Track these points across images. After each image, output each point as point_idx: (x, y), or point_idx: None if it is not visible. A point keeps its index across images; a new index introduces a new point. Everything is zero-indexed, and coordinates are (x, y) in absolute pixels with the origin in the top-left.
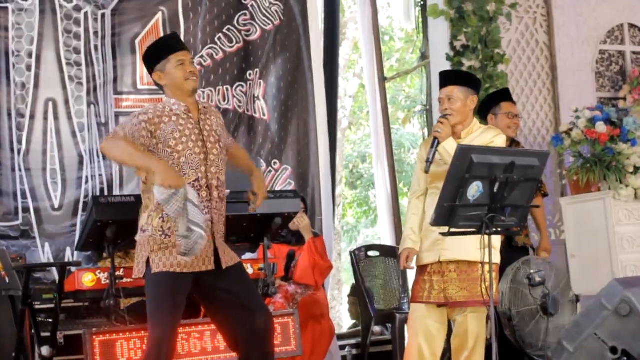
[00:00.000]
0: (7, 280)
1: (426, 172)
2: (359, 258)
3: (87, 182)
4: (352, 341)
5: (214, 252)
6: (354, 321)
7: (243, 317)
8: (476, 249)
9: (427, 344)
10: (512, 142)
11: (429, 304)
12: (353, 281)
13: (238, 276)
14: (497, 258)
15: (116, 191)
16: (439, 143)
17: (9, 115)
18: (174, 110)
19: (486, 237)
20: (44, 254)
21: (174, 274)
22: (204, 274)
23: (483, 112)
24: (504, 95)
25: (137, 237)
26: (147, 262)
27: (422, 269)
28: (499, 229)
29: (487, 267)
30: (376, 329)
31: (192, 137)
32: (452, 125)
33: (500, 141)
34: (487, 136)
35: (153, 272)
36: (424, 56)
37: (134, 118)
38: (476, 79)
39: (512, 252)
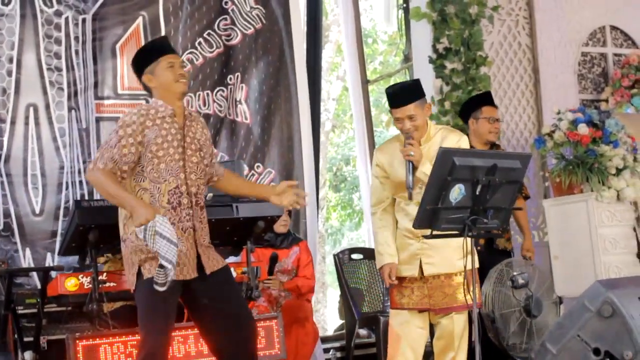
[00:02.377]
0: None
1: (410, 199)
2: (342, 261)
3: (67, 187)
4: (337, 344)
5: (197, 259)
6: (343, 321)
7: (226, 325)
8: (458, 259)
9: (412, 350)
10: (493, 145)
11: (411, 310)
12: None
13: (223, 282)
14: (476, 262)
15: (97, 196)
16: (414, 167)
17: None
18: (160, 112)
19: (469, 239)
20: (25, 259)
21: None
22: (192, 282)
23: (464, 115)
24: (486, 99)
25: (122, 249)
26: (138, 272)
27: (400, 279)
28: (481, 231)
29: (468, 270)
30: (362, 332)
31: (174, 143)
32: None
33: (465, 144)
34: (450, 141)
35: (145, 277)
36: (407, 58)
37: (113, 137)
38: (420, 85)
39: (493, 255)
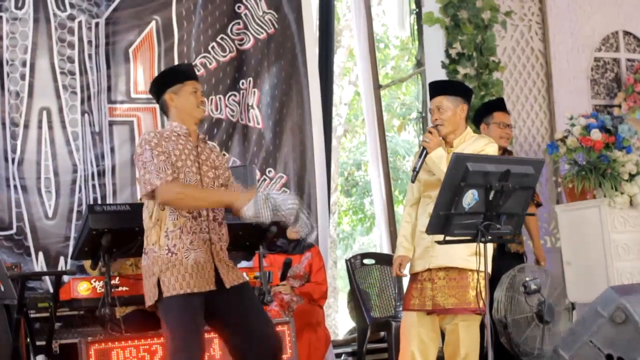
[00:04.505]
0: (2, 289)
1: (412, 181)
2: (354, 266)
3: (80, 191)
4: (348, 349)
5: (215, 272)
6: (354, 325)
7: (251, 343)
8: (466, 256)
9: (420, 352)
10: (505, 151)
11: (420, 312)
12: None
13: (245, 298)
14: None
15: (110, 200)
16: (427, 153)
17: (3, 124)
18: (176, 131)
19: (482, 245)
20: (38, 263)
21: (187, 296)
22: (212, 296)
23: (476, 121)
24: (498, 104)
25: (143, 262)
26: (158, 283)
27: (414, 277)
28: (494, 237)
29: (479, 275)
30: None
31: (190, 157)
32: (443, 135)
33: (491, 150)
34: (478, 144)
35: (165, 296)
36: (419, 63)
37: (145, 153)
38: (466, 88)
39: (505, 258)
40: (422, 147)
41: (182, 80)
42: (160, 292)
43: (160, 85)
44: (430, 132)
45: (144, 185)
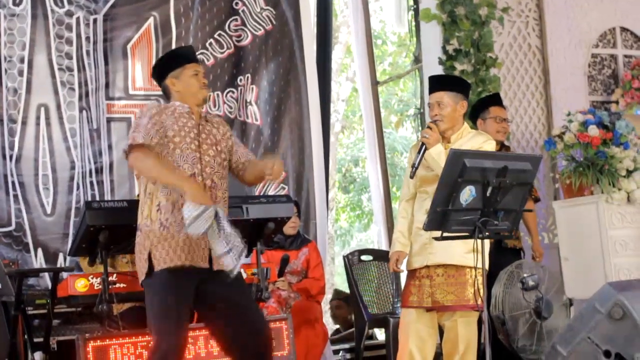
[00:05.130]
0: (0, 285)
1: (411, 177)
2: (352, 262)
3: (78, 188)
4: (346, 345)
5: (209, 253)
6: (337, 326)
7: (241, 331)
8: (464, 253)
9: (418, 349)
10: (502, 146)
11: (418, 309)
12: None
13: (235, 285)
14: (485, 263)
15: (107, 196)
16: (426, 149)
17: (1, 121)
18: (178, 109)
19: (479, 241)
20: (37, 259)
21: (178, 270)
22: (204, 282)
23: (472, 116)
24: (494, 99)
25: (137, 238)
26: (149, 258)
27: (412, 273)
28: (491, 233)
29: (477, 271)
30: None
31: (190, 134)
32: (441, 130)
33: (489, 147)
34: (476, 141)
35: (155, 269)
36: (416, 60)
37: (143, 117)
38: (466, 84)
39: (502, 254)
40: (421, 143)
41: (183, 63)
42: (151, 267)
43: (162, 71)
44: (429, 128)
45: (129, 140)
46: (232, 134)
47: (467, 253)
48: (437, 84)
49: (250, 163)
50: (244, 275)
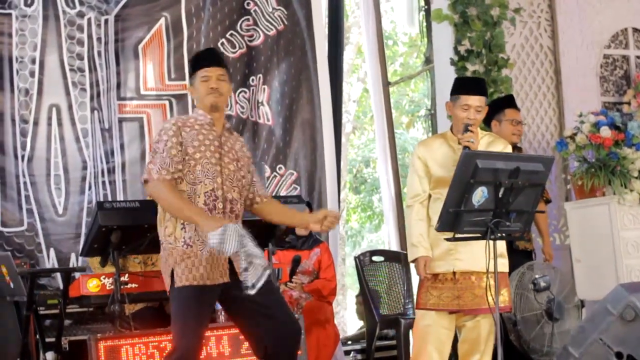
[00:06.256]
0: (12, 285)
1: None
2: (363, 263)
3: (90, 188)
4: (357, 346)
5: (229, 265)
6: (361, 322)
7: (275, 330)
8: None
9: (438, 352)
10: (514, 147)
11: (440, 312)
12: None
13: (264, 286)
14: (505, 266)
15: (119, 196)
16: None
17: (13, 121)
18: (199, 120)
19: (491, 242)
20: (49, 259)
21: (196, 287)
22: (227, 289)
23: (487, 118)
24: (509, 101)
25: (161, 252)
26: (172, 274)
27: (433, 277)
28: (504, 234)
29: (491, 273)
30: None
31: (211, 148)
32: None
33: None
34: (496, 147)
35: (176, 286)
36: (428, 60)
37: (160, 142)
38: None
39: (513, 256)
40: (464, 147)
41: (196, 69)
42: (173, 282)
43: (189, 75)
44: (472, 132)
45: (145, 172)
46: (252, 160)
47: (488, 256)
48: (477, 88)
49: (273, 205)
50: None
